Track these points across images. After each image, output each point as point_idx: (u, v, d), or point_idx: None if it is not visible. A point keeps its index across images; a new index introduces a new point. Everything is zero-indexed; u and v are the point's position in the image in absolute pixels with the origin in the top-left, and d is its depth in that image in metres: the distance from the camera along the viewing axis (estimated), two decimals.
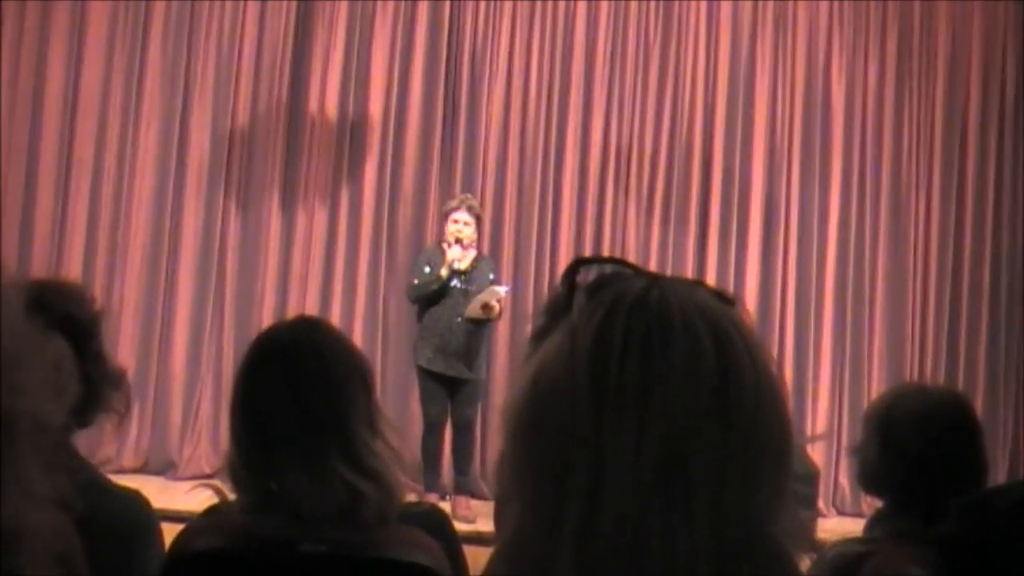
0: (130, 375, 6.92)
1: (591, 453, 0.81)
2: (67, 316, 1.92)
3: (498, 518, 0.90)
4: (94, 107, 7.46)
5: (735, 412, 0.82)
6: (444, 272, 6.37)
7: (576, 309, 0.86)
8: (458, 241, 6.42)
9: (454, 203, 6.63)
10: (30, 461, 0.89)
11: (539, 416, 0.84)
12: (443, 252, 6.48)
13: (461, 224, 6.47)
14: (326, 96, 7.60)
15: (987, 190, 7.84)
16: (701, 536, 0.81)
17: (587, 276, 0.89)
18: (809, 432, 7.47)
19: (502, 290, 6.45)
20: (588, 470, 0.82)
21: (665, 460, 0.81)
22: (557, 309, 0.87)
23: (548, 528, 0.83)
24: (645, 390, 0.81)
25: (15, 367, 0.86)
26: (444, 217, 6.65)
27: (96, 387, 1.98)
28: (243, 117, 7.57)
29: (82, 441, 2.00)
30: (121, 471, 6.82)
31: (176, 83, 7.51)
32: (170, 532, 1.97)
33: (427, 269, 6.44)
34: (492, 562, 0.87)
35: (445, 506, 6.22)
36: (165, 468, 7.19)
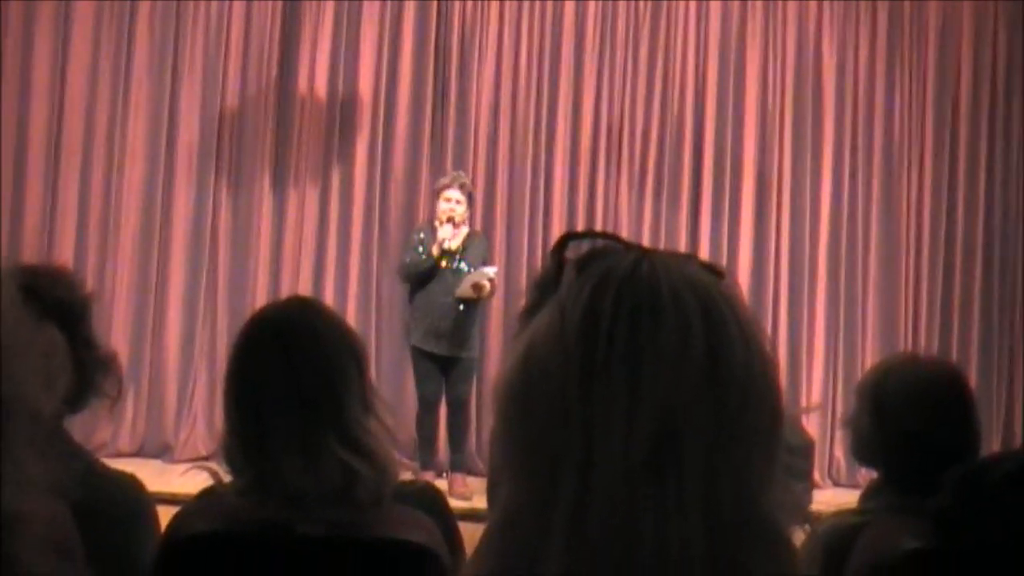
0: (124, 359, 6.91)
1: (581, 430, 0.81)
2: (57, 301, 1.92)
3: (490, 495, 0.90)
4: (82, 94, 7.42)
5: (726, 387, 0.82)
6: (435, 251, 6.35)
7: (565, 285, 0.85)
8: (450, 220, 6.40)
9: (446, 180, 6.60)
10: (25, 449, 0.89)
11: (529, 393, 0.84)
12: (434, 230, 6.46)
13: (453, 203, 6.45)
14: (315, 77, 7.56)
15: (979, 162, 7.83)
16: (693, 513, 0.81)
17: (578, 251, 0.88)
18: (804, 404, 7.49)
19: (491, 271, 6.43)
20: (579, 448, 0.81)
21: (656, 436, 0.80)
22: (546, 285, 0.87)
23: (540, 506, 0.83)
24: (634, 365, 0.81)
25: (10, 356, 0.87)
26: (436, 194, 6.62)
27: (87, 372, 1.98)
28: (232, 100, 7.54)
29: (77, 426, 2.00)
30: (118, 455, 6.81)
31: (164, 67, 7.47)
32: (167, 515, 1.97)
33: (420, 249, 6.42)
34: (484, 539, 0.87)
35: (442, 484, 6.24)
36: (161, 451, 7.19)
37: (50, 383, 0.90)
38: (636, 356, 0.81)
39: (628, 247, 0.88)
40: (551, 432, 0.82)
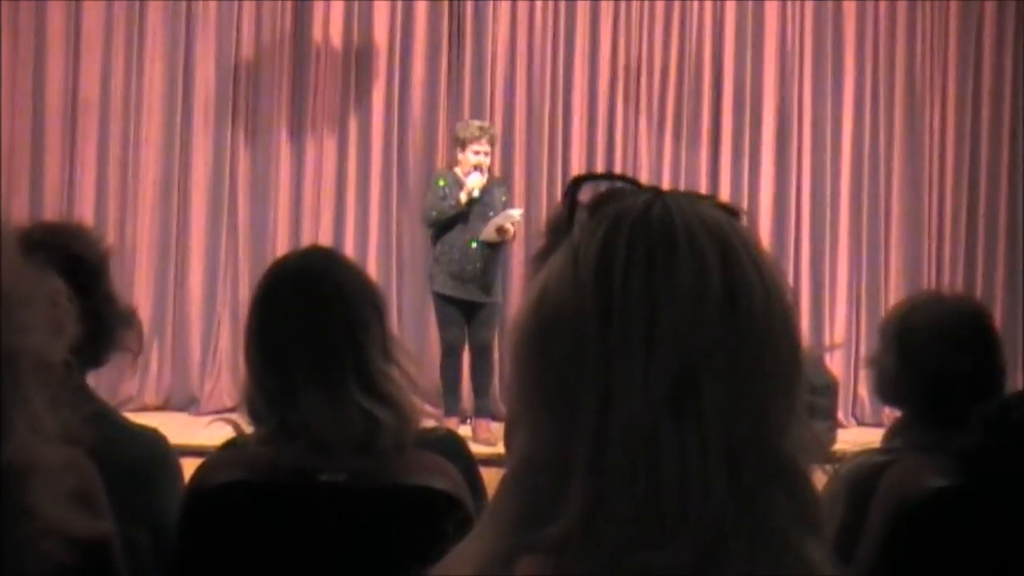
0: (147, 313, 6.90)
1: (599, 373, 0.80)
2: (75, 256, 1.92)
3: (508, 440, 0.89)
4: (97, 47, 7.40)
5: (744, 327, 0.81)
6: (464, 198, 6.34)
7: (578, 227, 0.84)
8: (477, 168, 6.39)
9: (475, 132, 6.51)
10: (36, 398, 0.89)
11: (545, 337, 0.83)
12: (457, 177, 6.45)
13: (482, 155, 6.44)
14: (330, 24, 7.51)
15: (1004, 97, 7.71)
16: (714, 453, 0.80)
17: (591, 194, 0.87)
18: (827, 343, 7.47)
19: (516, 213, 6.43)
20: (597, 390, 0.80)
21: (675, 378, 0.79)
22: (559, 229, 0.86)
23: (558, 450, 0.82)
24: (651, 308, 0.80)
25: (16, 306, 0.86)
26: (461, 145, 6.54)
27: (107, 326, 1.99)
28: (248, 49, 7.51)
29: (103, 382, 2.01)
30: (144, 409, 6.87)
31: (178, 17, 7.43)
32: (193, 467, 1.98)
33: (447, 198, 6.39)
34: (502, 484, 0.86)
35: (466, 429, 6.28)
36: (187, 404, 7.24)
37: (57, 331, 0.90)
38: (652, 297, 0.80)
39: (641, 188, 0.86)
40: (568, 375, 0.82)
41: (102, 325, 1.96)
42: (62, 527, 0.90)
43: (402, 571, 0.89)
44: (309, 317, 1.87)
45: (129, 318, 2.06)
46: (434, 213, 6.43)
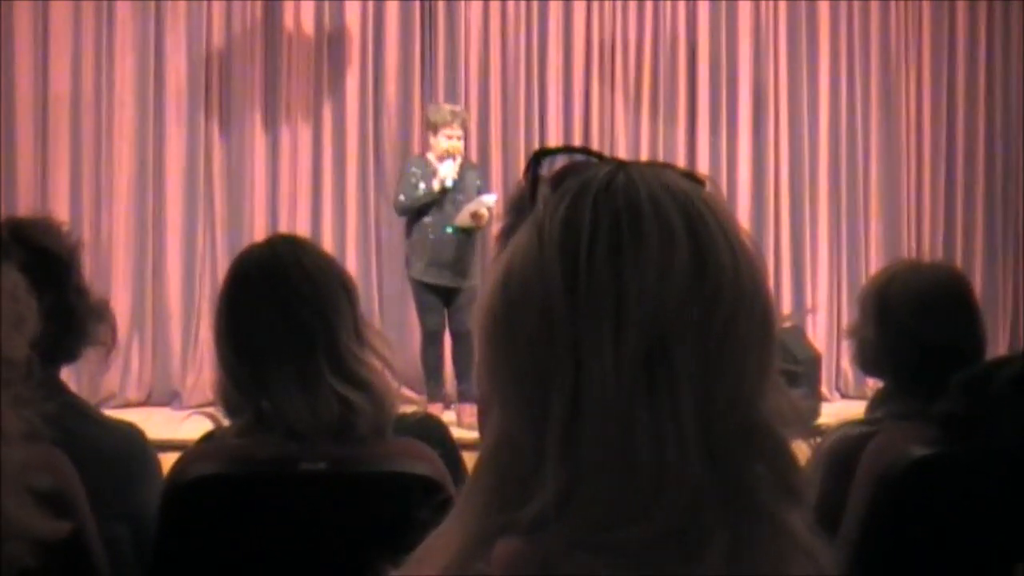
0: (126, 308, 6.83)
1: (568, 348, 0.78)
2: (43, 250, 1.91)
3: (481, 424, 0.87)
4: (67, 40, 7.32)
5: (713, 294, 0.79)
6: (437, 186, 6.32)
7: (540, 202, 0.82)
8: (450, 155, 6.36)
9: (447, 117, 6.46)
10: None
11: (512, 316, 0.81)
12: (429, 163, 6.42)
13: (455, 139, 6.40)
14: (301, 11, 7.46)
15: (978, 64, 7.74)
16: (689, 424, 0.78)
17: (552, 168, 0.85)
18: (809, 321, 7.47)
19: (490, 199, 6.39)
20: (567, 366, 0.79)
21: (646, 349, 0.78)
22: (522, 204, 0.84)
23: (531, 430, 0.80)
24: (618, 280, 0.78)
25: None
26: (433, 129, 6.51)
27: (80, 320, 1.97)
28: (219, 38, 7.45)
29: (84, 377, 1.99)
30: (127, 405, 6.85)
31: (148, 9, 7.36)
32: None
33: (420, 185, 6.36)
34: (476, 468, 0.85)
35: (450, 415, 6.27)
36: (170, 398, 7.20)
37: (18, 325, 0.88)
38: (619, 268, 0.78)
39: (603, 159, 0.85)
40: (537, 352, 0.80)
41: (74, 319, 1.95)
42: (27, 529, 0.88)
43: (384, 557, 0.88)
44: (278, 305, 1.86)
45: (101, 312, 2.04)
46: (403, 199, 6.41)
